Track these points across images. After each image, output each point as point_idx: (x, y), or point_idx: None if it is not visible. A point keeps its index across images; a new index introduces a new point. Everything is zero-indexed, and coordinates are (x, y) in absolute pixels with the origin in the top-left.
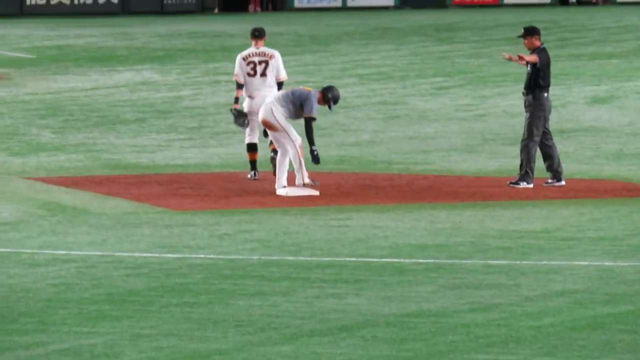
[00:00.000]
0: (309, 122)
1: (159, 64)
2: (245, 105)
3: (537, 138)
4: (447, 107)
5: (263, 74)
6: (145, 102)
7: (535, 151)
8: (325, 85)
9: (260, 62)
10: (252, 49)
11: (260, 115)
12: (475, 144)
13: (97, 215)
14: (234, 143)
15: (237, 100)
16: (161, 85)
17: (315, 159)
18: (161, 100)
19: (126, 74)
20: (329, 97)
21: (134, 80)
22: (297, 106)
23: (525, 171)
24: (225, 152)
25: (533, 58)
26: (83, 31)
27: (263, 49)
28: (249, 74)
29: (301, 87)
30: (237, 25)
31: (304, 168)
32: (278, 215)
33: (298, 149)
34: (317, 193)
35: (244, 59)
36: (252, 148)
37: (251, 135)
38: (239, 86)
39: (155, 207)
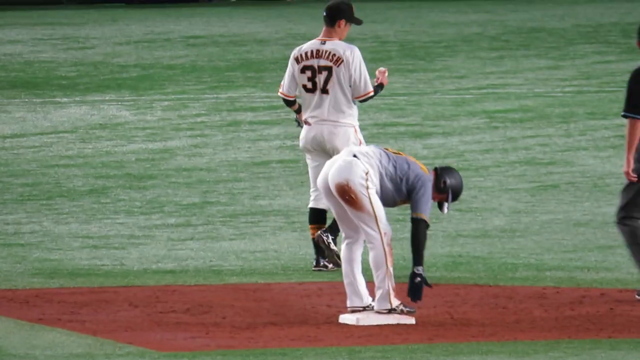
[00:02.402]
0: (421, 227)
1: (131, 93)
2: (300, 137)
3: None
4: None
5: (324, 90)
6: (108, 159)
7: None
8: (441, 165)
9: (321, 69)
10: (314, 44)
11: (338, 177)
12: None
13: None
14: (266, 231)
15: (298, 111)
16: (135, 129)
17: (416, 290)
18: (136, 155)
19: (74, 110)
20: (447, 184)
21: (88, 121)
22: (400, 188)
23: None
24: (250, 246)
25: None
26: None
27: (332, 45)
28: (305, 87)
29: (409, 158)
30: (270, 24)
31: (392, 280)
32: (342, 359)
33: (386, 247)
34: (412, 321)
35: (297, 59)
36: (316, 218)
37: (319, 195)
38: (289, 102)
39: (126, 346)
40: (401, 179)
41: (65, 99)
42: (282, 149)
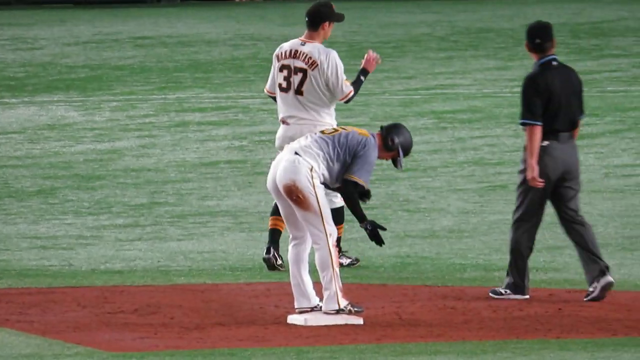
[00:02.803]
0: (349, 188)
1: (79, 94)
2: (277, 137)
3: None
4: (593, 170)
5: (298, 91)
6: (56, 160)
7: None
8: (386, 124)
9: (296, 70)
10: (294, 43)
11: (284, 178)
12: None
13: None
14: (214, 231)
15: None
16: (84, 129)
17: (374, 239)
18: (84, 156)
19: (22, 110)
20: (395, 142)
21: (36, 122)
22: (346, 163)
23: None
24: (198, 247)
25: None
26: None
27: (310, 47)
28: (280, 86)
29: (350, 129)
30: (218, 24)
31: (339, 280)
32: (290, 359)
33: (332, 247)
34: (360, 321)
35: (277, 57)
36: (278, 211)
37: None
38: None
39: (74, 346)
40: (345, 154)
41: (13, 100)
42: (230, 149)
